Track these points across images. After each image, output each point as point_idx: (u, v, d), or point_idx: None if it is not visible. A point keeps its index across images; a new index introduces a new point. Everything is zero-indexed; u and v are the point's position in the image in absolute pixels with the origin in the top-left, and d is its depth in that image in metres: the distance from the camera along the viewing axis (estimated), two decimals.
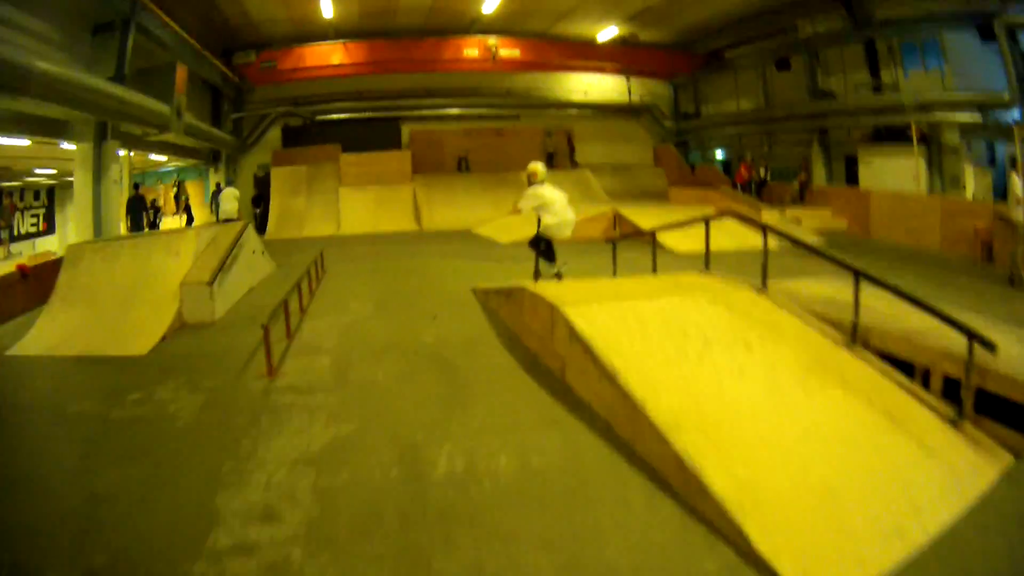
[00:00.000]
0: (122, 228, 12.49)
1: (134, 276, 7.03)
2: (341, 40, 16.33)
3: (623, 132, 20.87)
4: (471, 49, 17.50)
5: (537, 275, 6.63)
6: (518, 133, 19.88)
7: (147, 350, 5.76)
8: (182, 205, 17.60)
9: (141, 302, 6.76)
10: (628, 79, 20.73)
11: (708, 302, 4.60)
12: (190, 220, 17.04)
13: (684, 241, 8.61)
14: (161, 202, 17.85)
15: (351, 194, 16.32)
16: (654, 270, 6.79)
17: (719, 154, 21.43)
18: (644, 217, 11.51)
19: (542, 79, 20.41)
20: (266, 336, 4.63)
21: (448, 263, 9.70)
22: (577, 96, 20.58)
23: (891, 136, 13.65)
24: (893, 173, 13.15)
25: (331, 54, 16.51)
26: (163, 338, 6.06)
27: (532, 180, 6.34)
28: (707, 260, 5.80)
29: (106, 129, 10.28)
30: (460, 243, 12.37)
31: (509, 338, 5.32)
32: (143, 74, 10.73)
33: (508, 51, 17.95)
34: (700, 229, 5.78)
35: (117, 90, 9.22)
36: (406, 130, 19.42)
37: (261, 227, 15.61)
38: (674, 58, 19.96)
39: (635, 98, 20.72)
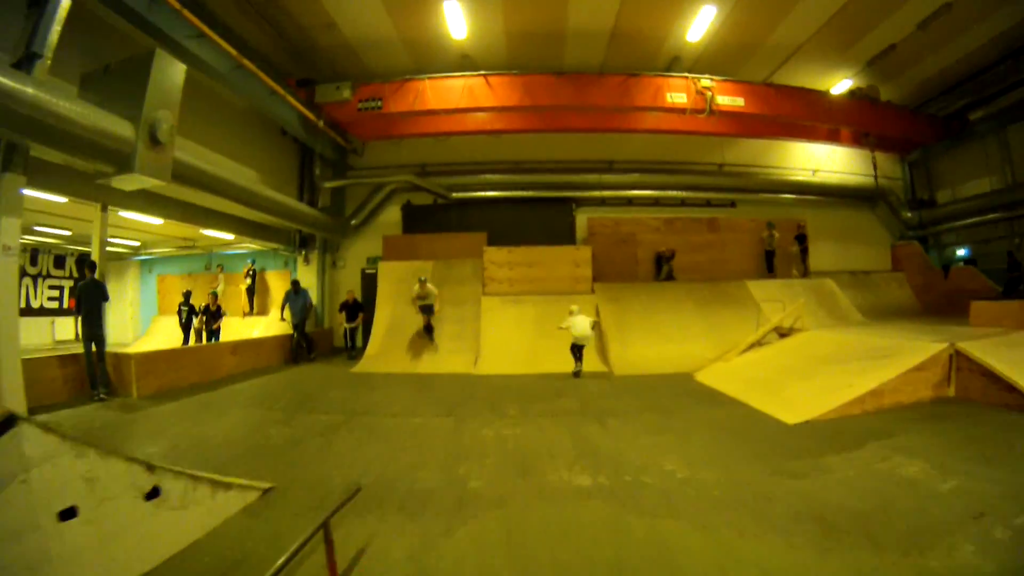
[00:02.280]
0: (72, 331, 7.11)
1: None
2: (481, 73, 10.75)
3: (854, 225, 14.97)
4: (677, 93, 10.92)
5: (577, 373, 8.09)
6: (734, 226, 13.07)
7: None
8: (210, 304, 11.77)
9: None
10: (873, 152, 14.58)
11: None
12: (212, 336, 11.34)
13: None
14: (202, 299, 12.60)
15: (498, 308, 10.31)
16: None
17: (960, 251, 14.93)
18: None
19: (765, 149, 14.40)
20: None
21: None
22: (803, 175, 14.52)
23: None
24: None
25: (466, 92, 10.72)
26: None
27: (570, 312, 8.28)
28: None
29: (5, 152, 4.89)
30: (705, 426, 4.92)
31: None
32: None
33: (728, 99, 11.28)
34: None
35: None
36: (581, 217, 13.53)
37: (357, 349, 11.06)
38: (911, 123, 13.59)
39: (877, 178, 14.53)
